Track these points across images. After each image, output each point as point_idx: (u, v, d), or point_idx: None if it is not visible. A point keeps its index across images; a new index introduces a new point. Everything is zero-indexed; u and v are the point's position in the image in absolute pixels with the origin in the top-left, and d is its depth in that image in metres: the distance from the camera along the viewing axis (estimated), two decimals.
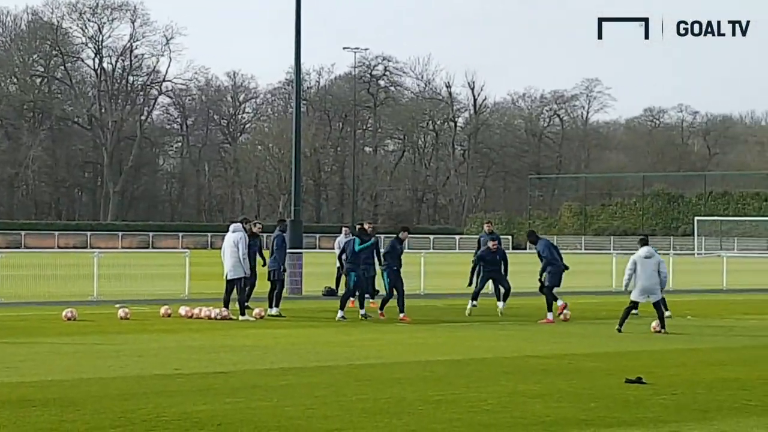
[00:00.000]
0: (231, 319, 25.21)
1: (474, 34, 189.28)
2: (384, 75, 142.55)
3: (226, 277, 25.87)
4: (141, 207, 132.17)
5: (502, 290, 27.32)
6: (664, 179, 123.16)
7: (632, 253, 23.95)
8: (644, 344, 21.18)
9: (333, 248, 35.03)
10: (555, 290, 26.13)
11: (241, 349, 19.44)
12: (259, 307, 26.52)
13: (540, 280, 26.25)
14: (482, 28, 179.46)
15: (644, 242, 24.15)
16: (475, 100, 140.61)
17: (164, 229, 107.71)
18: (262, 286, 27.98)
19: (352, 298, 27.57)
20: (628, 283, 23.57)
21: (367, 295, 27.82)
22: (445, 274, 42.48)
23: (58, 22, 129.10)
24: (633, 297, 23.63)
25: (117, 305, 27.10)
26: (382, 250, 27.23)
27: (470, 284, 28.46)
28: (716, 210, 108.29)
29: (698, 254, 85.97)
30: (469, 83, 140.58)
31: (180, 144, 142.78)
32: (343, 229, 33.75)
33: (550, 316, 25.80)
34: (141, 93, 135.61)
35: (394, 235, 27.70)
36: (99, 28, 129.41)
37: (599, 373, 16.47)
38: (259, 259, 27.54)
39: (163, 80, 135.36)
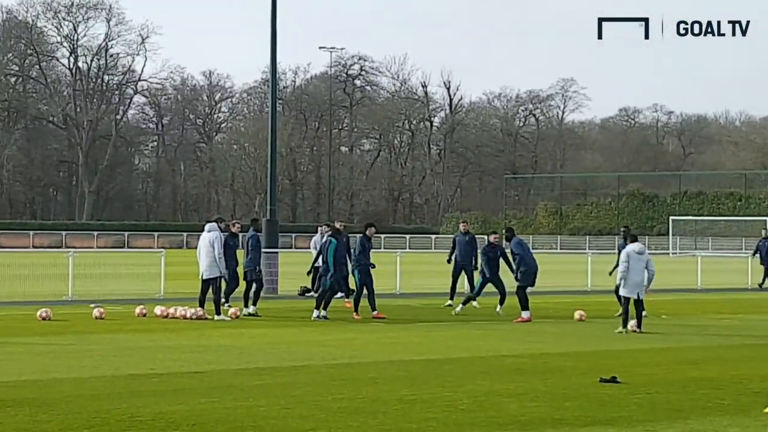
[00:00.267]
0: (206, 318, 25.17)
1: (450, 34, 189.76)
2: (360, 74, 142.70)
3: (202, 276, 25.83)
4: (116, 206, 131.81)
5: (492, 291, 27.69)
6: (639, 179, 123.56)
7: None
8: (619, 344, 21.24)
9: (309, 248, 34.90)
10: (528, 290, 26.27)
11: (217, 349, 19.41)
12: (234, 307, 26.50)
13: (516, 278, 26.33)
14: (458, 28, 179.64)
15: (634, 238, 24.25)
16: (450, 99, 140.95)
17: (139, 228, 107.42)
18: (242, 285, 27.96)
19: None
20: (625, 276, 23.44)
21: (342, 294, 27.86)
22: (421, 273, 42.52)
23: (32, 21, 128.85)
24: (624, 293, 23.45)
25: (92, 305, 27.02)
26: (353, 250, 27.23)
27: (449, 261, 30.54)
28: (691, 210, 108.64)
29: (673, 254, 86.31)
30: (445, 83, 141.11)
31: (155, 143, 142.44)
32: (319, 228, 33.34)
33: (524, 314, 25.91)
34: (116, 92, 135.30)
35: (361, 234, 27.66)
36: (74, 27, 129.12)
37: (574, 373, 16.51)
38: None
39: (139, 79, 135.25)
